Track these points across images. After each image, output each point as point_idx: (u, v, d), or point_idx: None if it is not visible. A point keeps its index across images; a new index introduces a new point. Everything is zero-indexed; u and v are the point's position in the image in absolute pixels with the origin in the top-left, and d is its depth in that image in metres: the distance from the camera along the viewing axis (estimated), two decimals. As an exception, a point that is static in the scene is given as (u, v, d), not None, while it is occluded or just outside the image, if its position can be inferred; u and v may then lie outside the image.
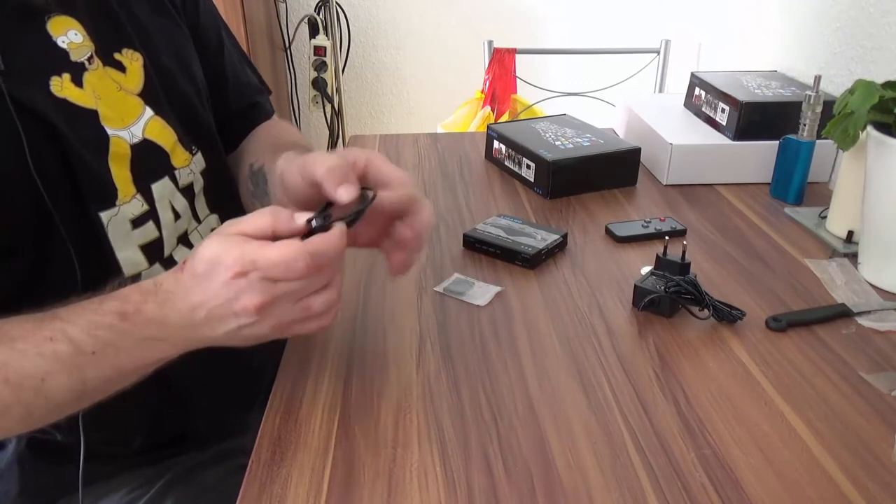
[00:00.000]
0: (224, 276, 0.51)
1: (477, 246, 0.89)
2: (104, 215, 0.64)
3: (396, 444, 0.59)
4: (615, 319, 0.76)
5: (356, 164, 0.59)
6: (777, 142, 1.07)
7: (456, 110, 2.12)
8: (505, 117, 2.07)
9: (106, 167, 0.65)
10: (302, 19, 2.27)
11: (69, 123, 0.61)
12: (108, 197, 0.65)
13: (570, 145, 1.11)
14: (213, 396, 0.77)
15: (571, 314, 0.77)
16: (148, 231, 0.69)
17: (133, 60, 0.68)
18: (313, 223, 0.55)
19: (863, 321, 0.77)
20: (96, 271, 0.63)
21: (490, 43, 2.04)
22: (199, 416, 0.77)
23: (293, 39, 2.32)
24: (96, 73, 0.65)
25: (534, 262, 0.86)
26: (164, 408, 0.74)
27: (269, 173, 0.77)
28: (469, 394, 0.65)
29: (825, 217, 0.98)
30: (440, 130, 2.03)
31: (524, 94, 2.10)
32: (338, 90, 2.31)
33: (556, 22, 2.35)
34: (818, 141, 1.03)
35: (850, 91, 0.86)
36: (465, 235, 0.90)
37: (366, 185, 0.59)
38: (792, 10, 1.39)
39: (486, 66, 2.04)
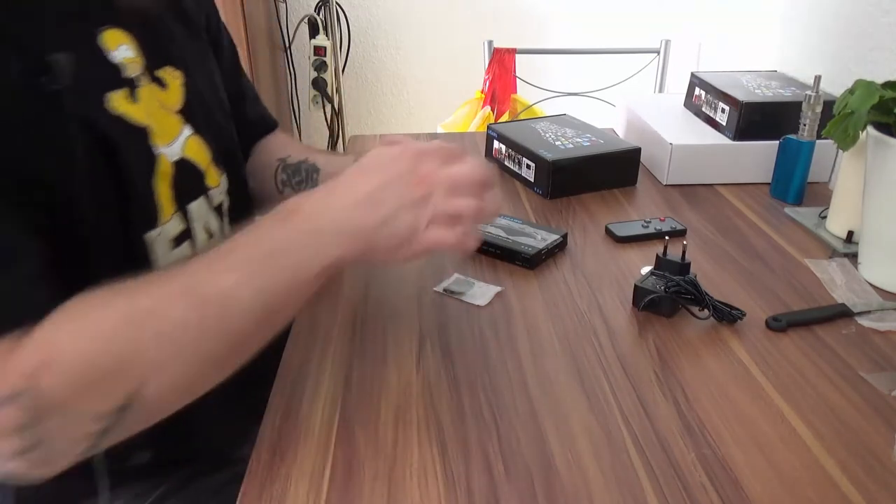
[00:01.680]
0: (398, 162, 0.58)
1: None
2: (148, 237, 0.64)
3: (396, 444, 0.59)
4: (615, 319, 0.76)
5: None
6: (777, 142, 1.07)
7: (456, 110, 2.12)
8: (505, 117, 2.07)
9: (152, 187, 0.64)
10: (302, 19, 2.27)
11: (124, 140, 0.60)
12: (152, 217, 0.64)
13: (570, 145, 1.11)
14: (218, 411, 0.77)
15: (571, 314, 0.77)
16: (184, 250, 0.68)
17: (174, 78, 0.69)
18: None
19: (863, 321, 0.77)
20: None
21: (490, 43, 2.04)
22: (204, 432, 0.76)
23: (293, 39, 2.32)
24: (145, 90, 0.65)
25: (534, 262, 0.86)
26: (169, 426, 0.73)
27: (322, 166, 0.86)
28: (469, 394, 0.65)
29: (825, 217, 0.98)
30: (440, 130, 2.03)
31: (524, 94, 2.10)
32: (338, 90, 2.31)
33: (556, 22, 2.35)
34: (818, 141, 1.03)
35: (850, 91, 0.86)
36: (465, 235, 0.90)
37: None
38: (792, 10, 1.39)
39: (486, 66, 2.04)
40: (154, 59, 0.66)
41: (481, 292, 0.80)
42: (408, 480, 0.55)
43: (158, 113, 0.66)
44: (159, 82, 0.67)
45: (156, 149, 0.64)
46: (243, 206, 0.80)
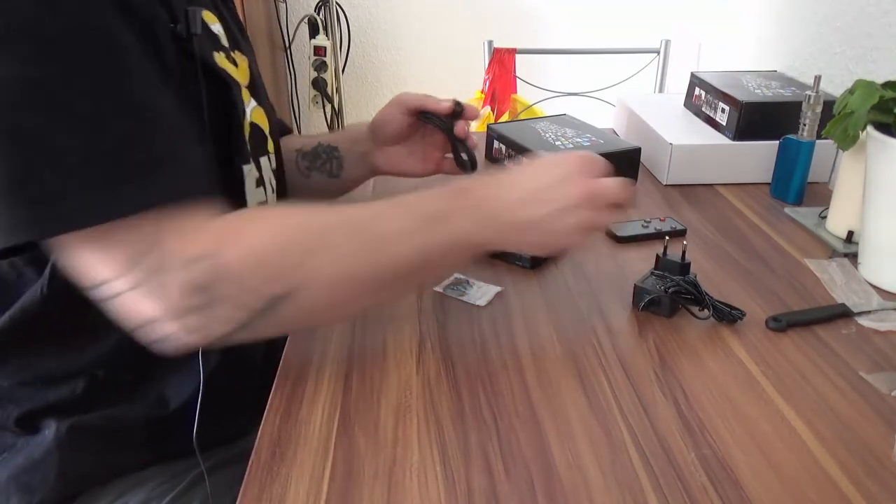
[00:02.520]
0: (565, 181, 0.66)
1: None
2: (245, 168, 0.73)
3: (396, 444, 0.59)
4: (615, 319, 0.76)
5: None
6: (777, 142, 1.07)
7: (456, 110, 2.11)
8: (505, 117, 2.07)
9: (244, 131, 0.74)
10: (302, 19, 2.27)
11: (233, 88, 0.71)
12: (245, 156, 0.74)
13: (570, 145, 1.11)
14: (244, 391, 0.78)
15: (571, 314, 0.77)
16: (261, 194, 0.77)
17: (242, 60, 0.77)
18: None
19: (863, 321, 0.77)
20: None
21: (490, 43, 2.04)
22: (231, 407, 0.77)
23: (293, 39, 2.32)
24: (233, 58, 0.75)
25: (534, 262, 0.86)
26: (205, 386, 0.74)
27: (337, 143, 0.96)
28: (469, 394, 0.65)
29: (825, 217, 0.98)
30: (440, 130, 2.03)
31: (524, 94, 2.10)
32: (338, 90, 2.31)
33: (556, 22, 2.35)
34: (818, 141, 1.03)
35: (850, 91, 0.86)
36: (465, 235, 0.90)
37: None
38: (792, 10, 1.40)
39: (486, 66, 2.04)
40: (231, 41, 0.76)
41: (481, 292, 0.80)
42: (408, 480, 0.55)
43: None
44: (233, 61, 0.75)
45: (244, 104, 0.74)
46: (282, 185, 0.87)
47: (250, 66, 0.80)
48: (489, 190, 0.66)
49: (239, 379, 0.77)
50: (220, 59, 0.71)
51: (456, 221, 0.64)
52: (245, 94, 0.76)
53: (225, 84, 0.70)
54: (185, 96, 0.63)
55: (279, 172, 0.86)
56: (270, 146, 0.82)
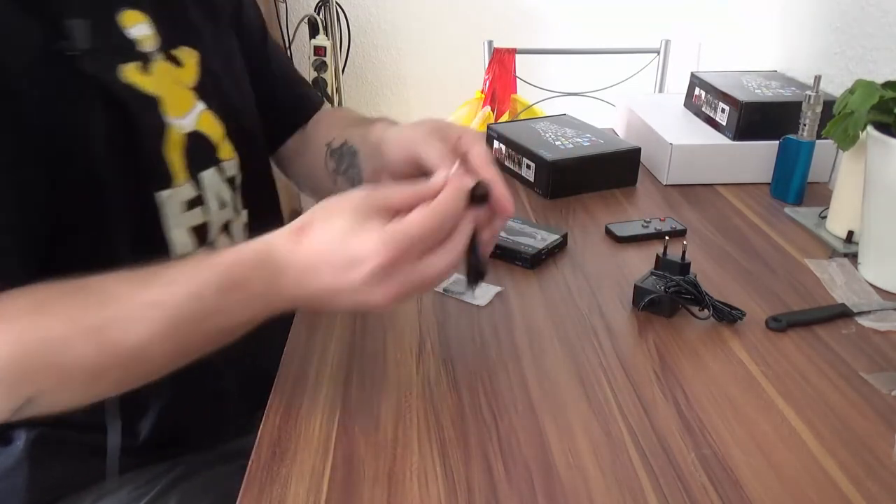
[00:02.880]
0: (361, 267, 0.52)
1: (477, 246, 0.89)
2: (160, 195, 0.68)
3: (396, 444, 0.59)
4: (615, 319, 0.76)
5: (457, 150, 0.62)
6: (777, 142, 1.07)
7: (456, 110, 2.12)
8: (505, 117, 2.07)
9: (162, 152, 0.68)
10: (302, 19, 2.27)
11: (135, 107, 0.65)
12: (165, 179, 0.68)
13: (570, 145, 1.11)
14: (219, 396, 0.78)
15: (571, 314, 0.77)
16: (196, 215, 0.72)
17: (189, 57, 0.72)
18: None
19: (863, 321, 0.77)
20: (149, 248, 0.67)
21: (490, 43, 2.04)
22: (206, 413, 0.77)
23: (293, 39, 2.32)
24: (158, 65, 0.69)
25: (534, 262, 0.86)
26: (174, 399, 0.74)
27: (358, 146, 0.80)
28: (469, 394, 0.65)
29: (825, 217, 0.98)
30: (440, 130, 2.02)
31: (524, 94, 2.10)
32: (338, 90, 2.31)
33: (556, 22, 2.35)
34: (818, 141, 1.03)
35: (850, 91, 0.86)
36: (465, 235, 0.90)
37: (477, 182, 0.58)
38: (792, 10, 1.39)
39: (486, 66, 2.04)
40: (170, 38, 0.70)
41: (481, 292, 0.80)
42: (408, 480, 0.55)
43: (172, 87, 0.70)
44: (175, 60, 0.71)
45: (167, 118, 0.68)
46: (256, 184, 0.82)
47: (202, 63, 0.73)
48: (267, 280, 0.54)
49: (205, 402, 0.77)
50: (128, 72, 0.65)
51: (224, 315, 0.55)
52: (182, 101, 0.70)
53: (124, 104, 0.64)
54: (68, 123, 0.60)
55: (251, 168, 0.80)
56: (225, 152, 0.75)
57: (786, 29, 1.41)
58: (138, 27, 0.67)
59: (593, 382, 0.66)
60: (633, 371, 0.68)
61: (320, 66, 2.22)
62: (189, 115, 0.71)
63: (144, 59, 0.67)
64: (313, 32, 2.25)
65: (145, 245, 0.67)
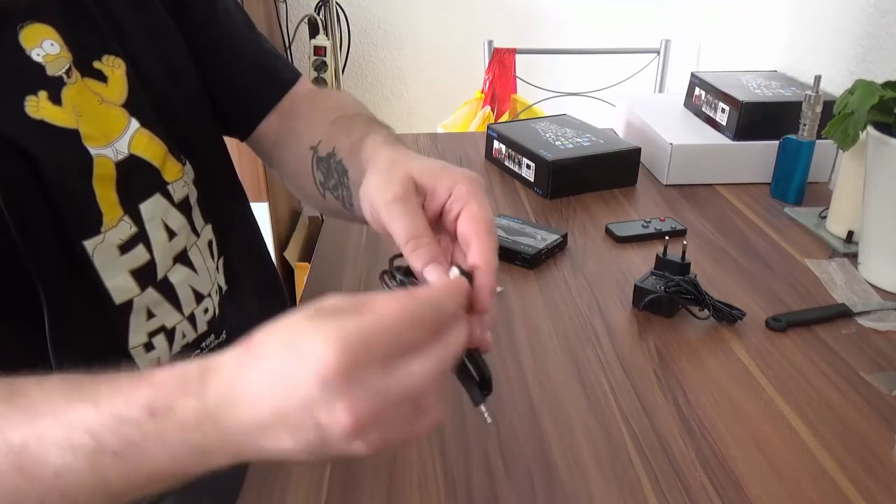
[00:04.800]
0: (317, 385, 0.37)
1: (477, 246, 0.89)
2: (88, 244, 0.59)
3: (396, 444, 0.59)
4: (615, 319, 0.76)
5: (449, 210, 0.48)
6: (777, 142, 1.07)
7: (456, 110, 2.11)
8: (505, 117, 2.07)
9: (90, 191, 0.59)
10: (302, 19, 2.27)
11: (47, 147, 0.56)
12: (93, 223, 0.59)
13: (570, 145, 1.11)
14: None
15: (571, 314, 0.77)
16: (138, 255, 0.63)
17: (115, 68, 0.62)
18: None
19: (863, 321, 0.77)
20: (85, 303, 0.59)
21: (490, 43, 2.04)
22: None
23: (293, 39, 2.32)
24: (75, 87, 0.58)
25: (534, 262, 0.86)
26: None
27: (347, 165, 0.65)
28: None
29: (825, 217, 0.98)
30: (440, 130, 2.03)
31: (524, 94, 2.10)
32: (338, 90, 2.31)
33: (556, 22, 2.35)
34: (818, 141, 1.03)
35: (850, 91, 0.86)
36: (465, 235, 0.90)
37: (461, 265, 0.45)
38: (792, 10, 1.39)
39: (486, 66, 2.04)
40: (87, 50, 0.60)
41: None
42: (408, 480, 0.55)
43: (95, 110, 0.60)
44: (98, 75, 0.60)
45: (91, 151, 0.58)
46: (219, 191, 0.74)
47: (130, 73, 0.62)
48: (192, 410, 0.40)
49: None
50: (36, 106, 0.55)
51: (153, 456, 0.41)
52: (109, 125, 0.60)
53: (31, 147, 0.54)
54: None
55: (209, 176, 0.71)
56: (171, 172, 0.65)
57: (786, 29, 1.41)
58: (45, 45, 0.56)
59: (593, 382, 0.66)
60: (633, 371, 0.68)
61: (320, 66, 2.22)
62: (120, 140, 0.61)
63: (55, 85, 0.56)
64: (313, 32, 2.25)
65: (85, 302, 0.59)
